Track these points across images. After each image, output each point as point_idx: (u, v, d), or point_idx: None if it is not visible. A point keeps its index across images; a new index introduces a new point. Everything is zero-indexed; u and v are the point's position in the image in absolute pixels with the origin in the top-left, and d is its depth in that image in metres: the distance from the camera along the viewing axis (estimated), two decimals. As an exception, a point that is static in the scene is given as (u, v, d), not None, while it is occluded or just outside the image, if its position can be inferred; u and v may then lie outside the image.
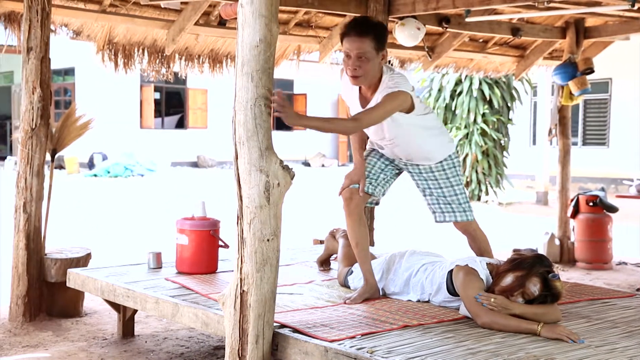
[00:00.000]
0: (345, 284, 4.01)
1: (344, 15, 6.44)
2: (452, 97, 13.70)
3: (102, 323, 4.83)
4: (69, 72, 21.76)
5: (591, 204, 7.32)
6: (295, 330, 3.10)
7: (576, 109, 16.13)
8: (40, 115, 4.80)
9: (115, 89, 20.59)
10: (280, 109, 3.06)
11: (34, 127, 4.79)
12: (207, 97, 23.55)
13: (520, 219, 11.48)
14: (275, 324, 3.10)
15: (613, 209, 7.34)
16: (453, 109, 13.69)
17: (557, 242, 7.59)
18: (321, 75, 21.40)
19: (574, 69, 7.16)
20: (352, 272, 3.97)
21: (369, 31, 3.44)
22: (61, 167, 19.23)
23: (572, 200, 7.53)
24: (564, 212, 7.60)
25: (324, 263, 4.57)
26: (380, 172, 3.84)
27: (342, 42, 3.48)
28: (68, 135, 5.14)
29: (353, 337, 3.00)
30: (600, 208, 7.33)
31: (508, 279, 3.25)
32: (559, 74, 7.25)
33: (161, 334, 4.55)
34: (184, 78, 7.33)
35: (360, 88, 3.61)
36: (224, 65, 6.75)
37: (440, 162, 3.80)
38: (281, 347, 3.06)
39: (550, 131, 7.78)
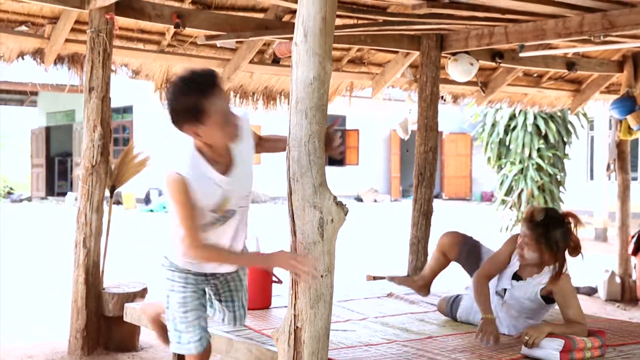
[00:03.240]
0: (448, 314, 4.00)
1: (397, 52, 6.48)
2: (506, 132, 13.55)
3: (158, 358, 4.87)
4: (127, 110, 22.32)
5: (653, 240, 7.10)
6: (349, 368, 3.07)
7: (635, 144, 15.75)
8: (100, 153, 4.93)
9: (172, 126, 21.00)
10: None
11: (94, 164, 4.92)
12: (260, 133, 23.81)
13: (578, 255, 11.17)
14: (329, 361, 3.08)
15: (676, 246, 7.10)
16: (507, 143, 13.53)
17: (617, 280, 7.37)
18: (374, 110, 21.49)
19: (632, 103, 7.03)
20: (460, 298, 3.97)
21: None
22: (119, 202, 19.64)
23: (632, 237, 7.31)
24: (625, 249, 7.39)
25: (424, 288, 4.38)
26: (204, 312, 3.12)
27: (209, 106, 2.77)
28: (126, 172, 5.26)
29: (408, 376, 2.96)
30: (662, 245, 7.10)
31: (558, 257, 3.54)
32: (617, 108, 7.12)
33: (215, 370, 4.56)
34: (238, 115, 7.44)
35: (212, 163, 2.89)
36: (277, 102, 6.85)
37: None
38: (335, 384, 3.04)
39: (608, 166, 7.62)
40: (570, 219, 3.58)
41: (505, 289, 3.70)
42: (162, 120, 21.58)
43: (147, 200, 19.97)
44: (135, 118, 22.02)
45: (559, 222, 3.56)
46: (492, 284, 3.78)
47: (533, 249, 3.55)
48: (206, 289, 3.15)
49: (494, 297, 3.76)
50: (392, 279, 4.36)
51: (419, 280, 4.35)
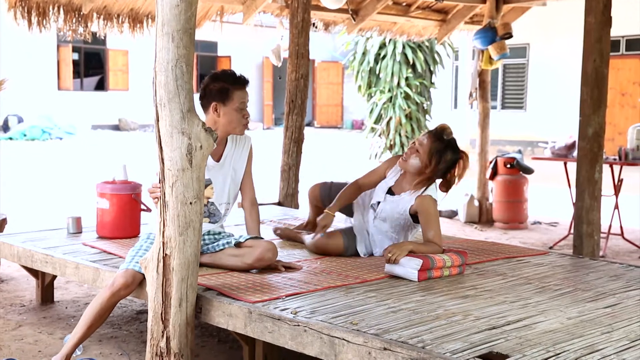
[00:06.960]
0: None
1: (268, -24, 6.35)
2: (376, 61, 13.78)
3: (20, 290, 4.71)
4: (-21, 30, 20.75)
5: (509, 166, 7.55)
6: (220, 293, 3.10)
7: (495, 74, 16.51)
8: (-52, 75, 4.58)
9: (31, 48, 19.78)
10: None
11: (-59, 87, 4.57)
12: (128, 58, 22.92)
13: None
14: (199, 287, 3.10)
15: (529, 171, 7.59)
16: (377, 72, 13.79)
17: (476, 203, 7.81)
18: (245, 37, 21.13)
19: (493, 34, 7.30)
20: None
21: None
22: (-27, 130, 18.45)
23: (490, 162, 7.74)
24: (483, 174, 7.82)
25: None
26: None
27: (234, 93, 3.50)
28: (-21, 96, 4.93)
29: (277, 299, 3.03)
30: (517, 170, 7.57)
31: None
32: (479, 38, 7.39)
33: (82, 300, 4.47)
34: (103, 38, 7.09)
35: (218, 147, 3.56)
36: (144, 26, 6.56)
37: None
38: (205, 309, 3.06)
39: (470, 95, 7.94)
40: (463, 156, 3.76)
41: (378, 202, 3.87)
42: (19, 41, 20.15)
43: (5, 127, 18.88)
44: (-11, 39, 20.52)
45: (457, 150, 3.75)
46: (367, 198, 3.99)
47: (421, 158, 3.72)
48: None
49: (369, 212, 3.96)
50: (277, 230, 4.46)
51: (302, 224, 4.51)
